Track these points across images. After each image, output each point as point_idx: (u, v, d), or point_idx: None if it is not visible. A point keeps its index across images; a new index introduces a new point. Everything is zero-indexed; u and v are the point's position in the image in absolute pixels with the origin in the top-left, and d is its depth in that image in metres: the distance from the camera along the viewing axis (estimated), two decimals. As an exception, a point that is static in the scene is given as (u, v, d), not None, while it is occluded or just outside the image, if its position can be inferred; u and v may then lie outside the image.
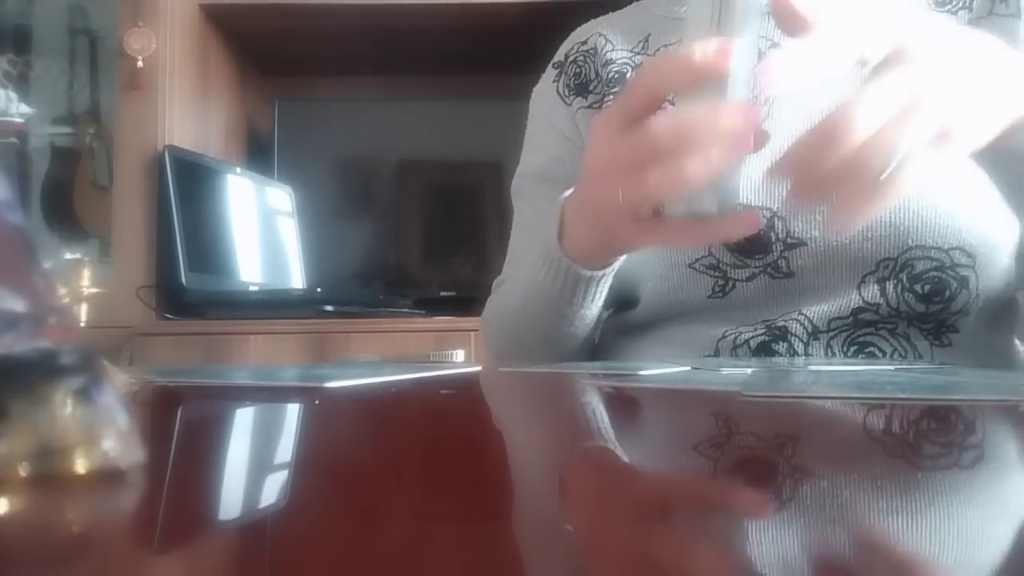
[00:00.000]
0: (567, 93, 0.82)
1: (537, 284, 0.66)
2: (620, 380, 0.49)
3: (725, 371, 0.50)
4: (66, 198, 2.00)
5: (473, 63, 1.85)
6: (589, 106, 0.80)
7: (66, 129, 2.05)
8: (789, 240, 0.65)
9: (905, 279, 0.63)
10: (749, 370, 0.50)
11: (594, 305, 0.66)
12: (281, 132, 1.82)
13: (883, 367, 0.53)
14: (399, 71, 1.90)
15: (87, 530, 0.16)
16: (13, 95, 2.06)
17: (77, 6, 2.06)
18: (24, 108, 2.08)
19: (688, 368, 0.51)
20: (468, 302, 1.65)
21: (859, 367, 0.52)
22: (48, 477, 0.18)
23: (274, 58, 1.89)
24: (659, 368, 0.52)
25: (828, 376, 0.47)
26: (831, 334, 0.65)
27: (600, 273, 0.63)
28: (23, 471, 0.18)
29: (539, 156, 0.83)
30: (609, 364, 0.65)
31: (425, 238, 1.89)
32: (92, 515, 0.17)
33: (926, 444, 0.27)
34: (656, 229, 0.51)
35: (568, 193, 0.62)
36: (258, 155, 1.90)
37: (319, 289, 1.63)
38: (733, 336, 0.67)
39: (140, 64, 1.50)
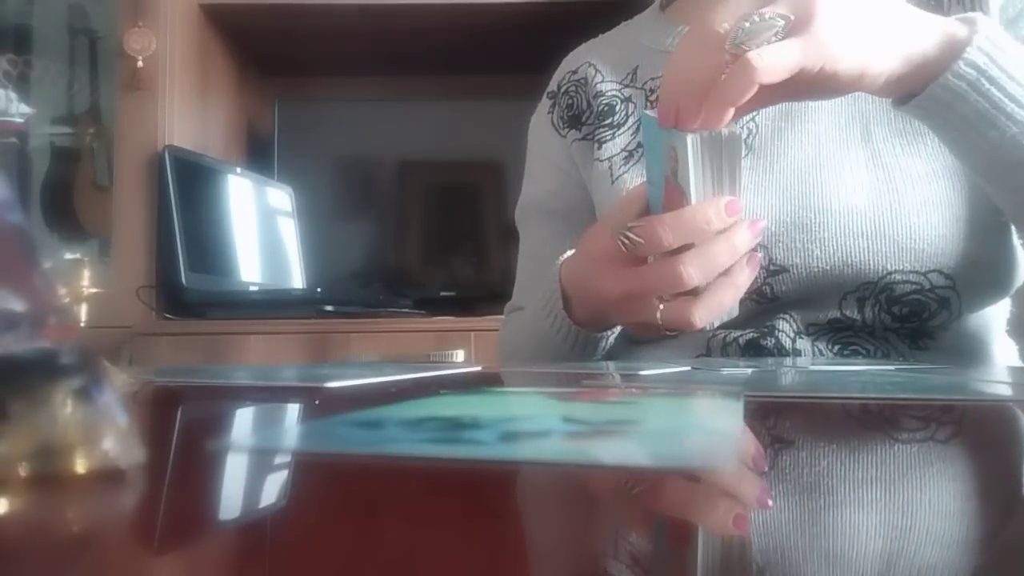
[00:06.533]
0: (561, 125, 0.84)
1: (548, 337, 0.69)
2: (620, 380, 0.49)
3: (725, 371, 0.50)
4: (66, 198, 1.99)
5: (473, 63, 1.85)
6: (583, 138, 0.82)
7: (66, 129, 2.05)
8: (772, 267, 0.66)
9: (884, 301, 0.65)
10: (749, 370, 0.50)
11: (605, 350, 0.70)
12: (281, 132, 1.82)
13: (884, 367, 0.53)
14: (399, 71, 1.90)
15: (87, 530, 0.16)
16: (13, 95, 2.06)
17: (77, 6, 2.06)
18: (24, 108, 2.08)
19: (688, 368, 0.51)
20: (468, 302, 1.65)
21: (859, 367, 0.52)
22: (48, 477, 0.18)
23: (274, 58, 1.89)
24: (659, 368, 0.52)
25: (829, 376, 0.47)
26: (814, 336, 0.67)
27: (608, 333, 0.69)
28: (23, 471, 0.18)
29: (537, 188, 0.86)
30: (609, 364, 0.66)
31: (425, 238, 1.89)
32: (92, 515, 0.17)
33: (928, 443, 0.27)
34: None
35: (567, 257, 0.67)
36: (258, 155, 1.90)
37: (319, 289, 1.63)
38: (723, 335, 0.69)
39: (140, 64, 1.50)
